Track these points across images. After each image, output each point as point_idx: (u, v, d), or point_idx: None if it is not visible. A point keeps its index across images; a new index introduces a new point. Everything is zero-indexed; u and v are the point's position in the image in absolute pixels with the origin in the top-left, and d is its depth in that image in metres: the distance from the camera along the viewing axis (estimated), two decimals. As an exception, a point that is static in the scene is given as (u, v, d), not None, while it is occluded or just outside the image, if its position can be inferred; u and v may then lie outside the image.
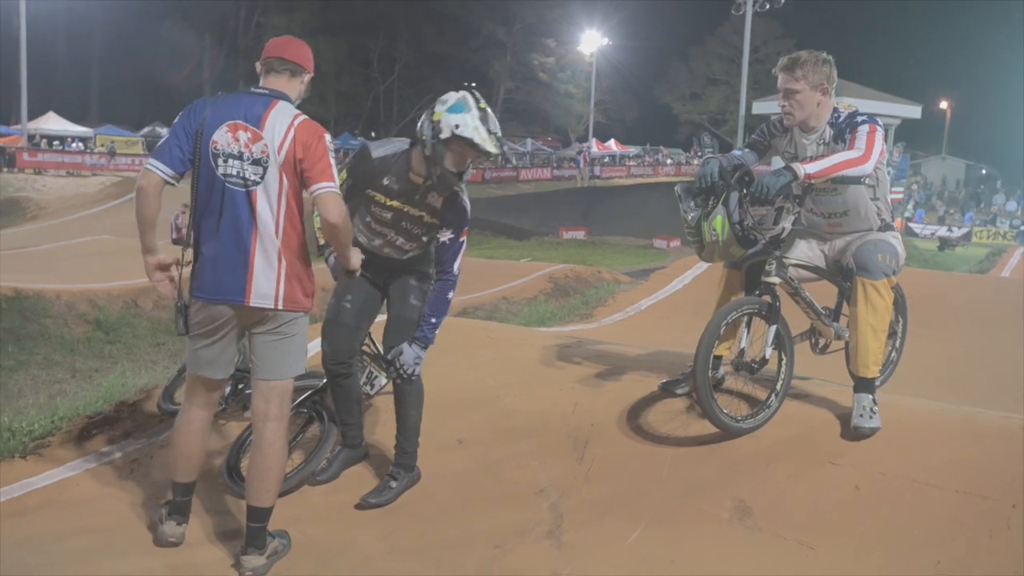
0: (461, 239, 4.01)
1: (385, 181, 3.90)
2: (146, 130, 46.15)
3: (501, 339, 5.84)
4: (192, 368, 3.58)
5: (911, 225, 36.45)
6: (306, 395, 4.47)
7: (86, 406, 4.81)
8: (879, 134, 3.82)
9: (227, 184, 3.32)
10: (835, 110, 3.99)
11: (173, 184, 3.34)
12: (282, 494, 4.02)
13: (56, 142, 40.89)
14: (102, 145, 41.68)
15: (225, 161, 3.31)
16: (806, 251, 4.25)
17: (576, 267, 13.84)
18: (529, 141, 55.65)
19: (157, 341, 8.80)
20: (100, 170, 35.82)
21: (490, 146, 3.69)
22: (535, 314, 9.09)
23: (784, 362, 4.08)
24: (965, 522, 3.30)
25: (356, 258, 3.69)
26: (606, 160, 55.52)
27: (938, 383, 5.70)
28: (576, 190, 45.88)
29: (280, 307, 3.40)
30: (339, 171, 3.63)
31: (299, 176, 3.34)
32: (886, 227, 4.15)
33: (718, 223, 3.84)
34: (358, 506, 4.02)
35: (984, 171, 62.72)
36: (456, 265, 4.02)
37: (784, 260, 4.07)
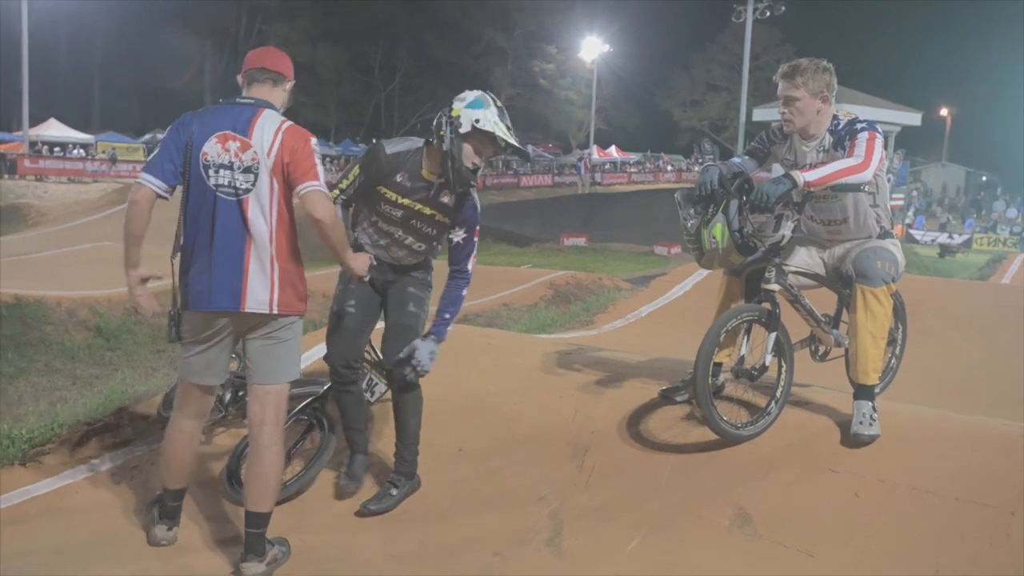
0: (475, 238, 4.08)
1: (398, 178, 3.92)
2: (147, 137, 46.25)
3: (501, 346, 5.84)
4: (185, 375, 3.60)
5: (912, 232, 36.43)
6: (306, 402, 4.47)
7: (86, 413, 4.81)
8: (879, 141, 3.83)
9: (218, 194, 3.36)
10: (835, 117, 3.99)
11: (166, 198, 3.40)
12: (281, 501, 4.03)
13: (57, 149, 40.93)
14: (103, 152, 41.73)
15: (216, 172, 3.36)
16: (806, 258, 4.25)
17: (577, 274, 13.83)
18: (530, 148, 55.66)
19: (158, 348, 8.80)
20: (101, 177, 35.90)
21: (511, 139, 3.80)
22: (536, 321, 9.09)
23: (784, 369, 4.08)
24: (965, 530, 3.30)
25: (362, 261, 3.72)
26: (607, 167, 55.56)
27: (938, 390, 5.70)
28: (577, 197, 45.94)
29: (276, 311, 3.42)
30: (351, 168, 3.88)
31: (287, 180, 3.39)
32: (885, 234, 4.15)
33: (718, 230, 3.84)
34: (358, 513, 4.02)
35: (984, 178, 62.78)
36: (471, 264, 4.10)
37: (784, 267, 4.07)
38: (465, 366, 5.24)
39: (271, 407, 3.53)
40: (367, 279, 3.84)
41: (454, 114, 3.78)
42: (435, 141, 3.83)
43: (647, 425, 4.35)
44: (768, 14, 38.41)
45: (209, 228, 3.37)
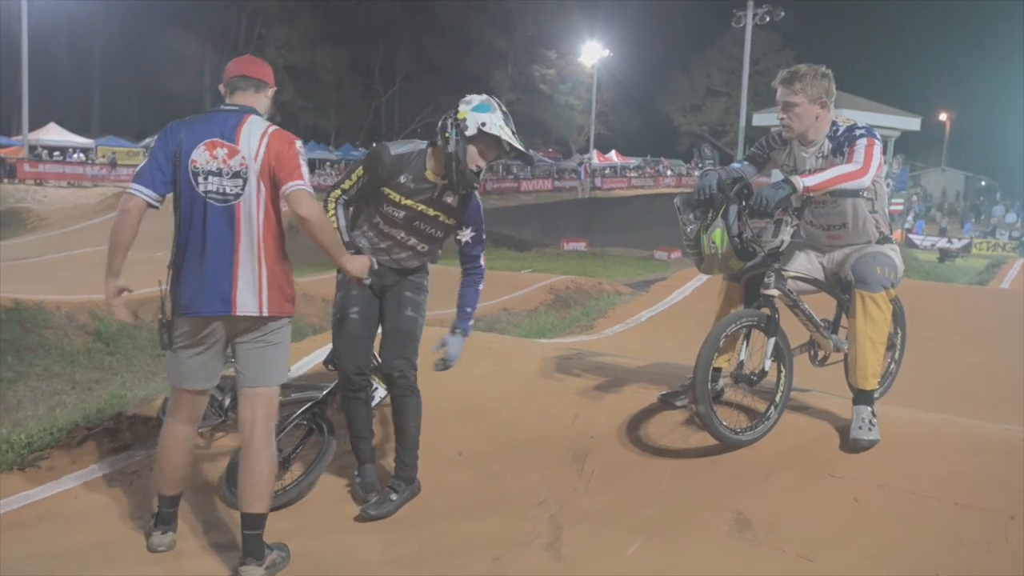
0: (483, 235, 4.18)
1: (402, 179, 3.96)
2: (147, 141, 46.12)
3: (501, 350, 5.84)
4: (175, 381, 3.63)
5: (911, 236, 36.45)
6: (306, 407, 4.48)
7: (85, 418, 4.80)
8: (877, 147, 3.84)
9: (208, 200, 3.41)
10: (834, 123, 4.00)
11: (157, 207, 3.45)
12: (281, 506, 4.04)
13: (57, 153, 40.92)
14: (103, 156, 41.75)
15: (205, 179, 3.41)
16: (805, 263, 4.26)
17: (577, 278, 13.83)
18: (530, 151, 55.61)
19: (157, 353, 8.77)
20: (101, 181, 35.90)
21: (516, 143, 3.89)
22: (536, 325, 9.09)
23: (783, 374, 4.08)
24: (964, 534, 3.30)
25: (359, 263, 3.75)
26: (607, 171, 55.58)
27: (938, 395, 5.70)
28: (577, 201, 45.93)
29: (265, 313, 3.46)
30: (354, 168, 3.96)
31: (274, 183, 3.44)
32: (884, 240, 4.16)
33: (717, 236, 3.85)
34: (358, 518, 4.01)
35: (983, 183, 62.82)
36: (483, 259, 4.22)
37: (783, 272, 4.08)
38: (465, 370, 5.22)
39: (261, 410, 3.57)
40: (367, 282, 3.86)
41: (460, 117, 3.83)
42: (440, 142, 3.88)
43: (647, 430, 4.35)
44: (768, 19, 38.47)
45: (200, 234, 3.42)
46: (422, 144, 4.02)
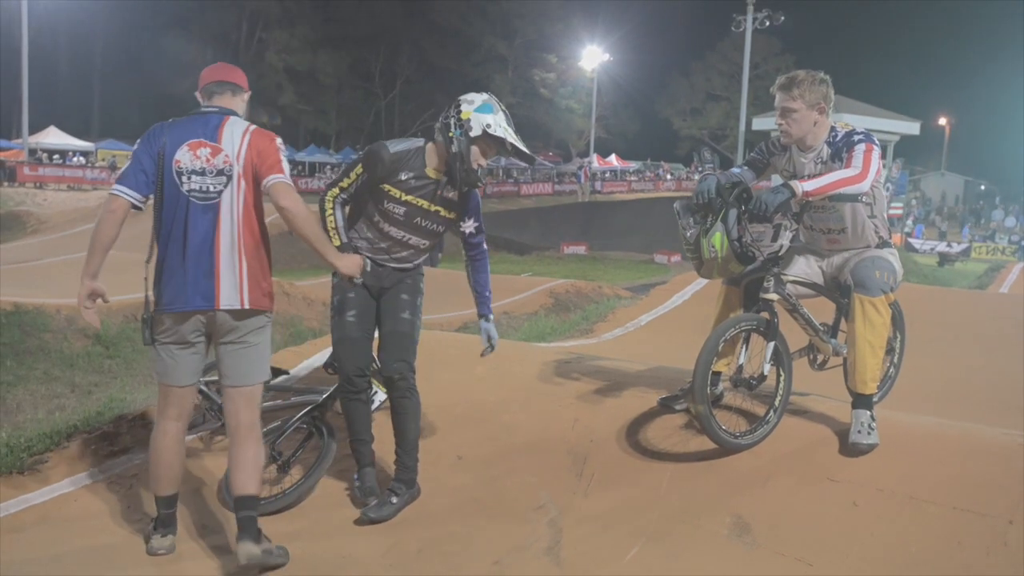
0: (482, 223, 4.27)
1: (402, 176, 3.99)
2: (146, 144, 46.10)
3: (501, 354, 5.79)
4: (162, 378, 3.69)
5: (911, 240, 36.47)
6: (306, 411, 4.48)
7: (85, 421, 4.80)
8: (875, 153, 3.85)
9: (191, 199, 3.51)
10: (832, 129, 4.01)
11: (140, 208, 3.56)
12: (281, 510, 4.05)
13: (57, 156, 40.93)
14: (103, 159, 41.73)
15: (189, 178, 3.52)
16: (804, 268, 4.27)
17: (577, 282, 13.83)
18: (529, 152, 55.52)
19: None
20: (101, 184, 35.80)
21: (520, 144, 3.97)
22: (535, 329, 9.09)
23: (782, 378, 4.09)
24: (962, 539, 3.30)
25: (350, 261, 3.81)
26: (607, 175, 55.61)
27: (937, 399, 5.70)
28: (577, 205, 45.95)
29: (247, 306, 3.55)
30: (352, 167, 4.02)
31: (255, 179, 3.56)
32: (884, 244, 4.16)
33: (717, 240, 3.85)
34: (358, 521, 4.02)
35: (983, 187, 62.89)
36: (484, 243, 4.31)
37: (782, 277, 4.09)
38: (465, 374, 5.25)
39: (245, 407, 3.66)
40: (359, 282, 3.89)
41: (464, 117, 3.89)
42: (442, 140, 3.93)
43: (646, 434, 4.35)
44: (768, 24, 38.47)
45: (182, 232, 3.51)
46: (419, 141, 4.06)
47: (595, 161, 55.27)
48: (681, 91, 66.39)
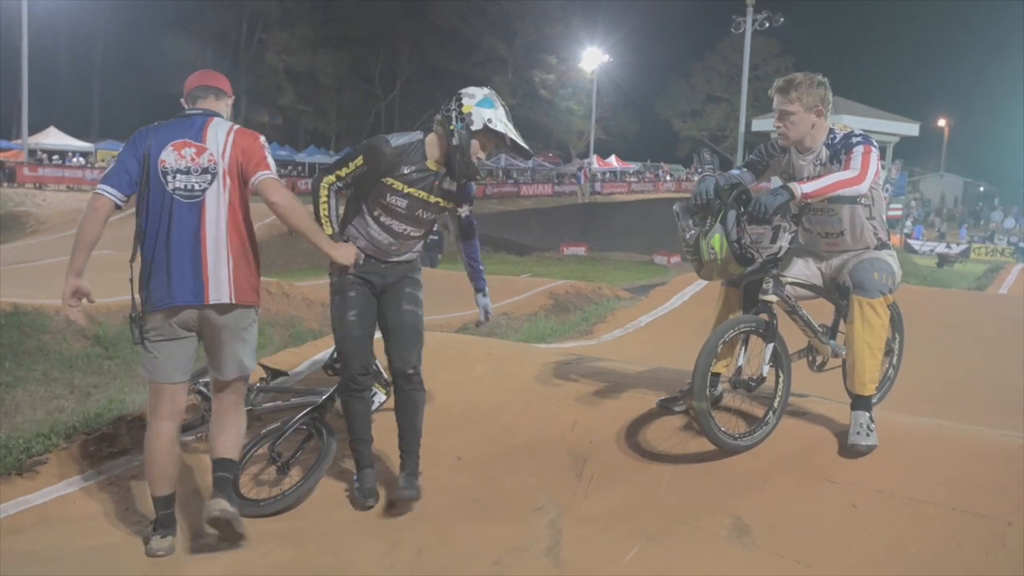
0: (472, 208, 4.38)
1: (405, 169, 4.04)
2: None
3: (501, 355, 5.84)
4: (152, 376, 3.74)
5: (910, 242, 36.46)
6: (305, 412, 4.48)
7: (84, 423, 4.81)
8: (874, 154, 3.86)
9: (176, 197, 3.61)
10: (831, 131, 4.02)
11: (121, 207, 3.65)
12: (280, 511, 4.05)
13: (56, 157, 40.89)
14: (103, 160, 41.68)
15: (174, 177, 3.62)
16: (803, 269, 4.27)
17: (576, 283, 13.81)
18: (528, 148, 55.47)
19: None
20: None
21: (520, 139, 4.04)
22: (535, 330, 9.08)
23: (781, 380, 4.09)
24: (961, 540, 3.30)
25: (346, 251, 3.93)
26: (607, 176, 55.60)
27: (936, 400, 5.70)
28: (577, 206, 45.93)
29: (234, 301, 3.65)
30: (352, 157, 4.06)
31: (241, 177, 3.67)
32: (882, 246, 4.17)
33: (716, 241, 3.86)
34: (398, 502, 4.09)
35: (982, 188, 62.91)
36: (474, 218, 4.41)
37: (781, 278, 4.09)
38: (464, 375, 5.25)
39: (231, 395, 3.86)
40: (351, 270, 3.99)
41: (465, 110, 3.95)
42: (443, 133, 3.99)
43: (645, 435, 4.36)
44: (767, 25, 38.46)
45: (167, 231, 3.60)
46: (419, 134, 4.12)
47: (595, 162, 55.24)
48: (681, 92, 66.42)
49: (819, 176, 3.91)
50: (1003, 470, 3.61)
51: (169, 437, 3.74)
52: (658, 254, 28.71)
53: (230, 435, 3.82)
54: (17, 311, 8.56)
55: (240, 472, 4.23)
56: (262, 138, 3.78)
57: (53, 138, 42.17)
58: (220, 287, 3.61)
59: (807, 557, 3.42)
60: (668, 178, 57.85)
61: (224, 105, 3.89)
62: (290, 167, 46.70)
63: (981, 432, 4.12)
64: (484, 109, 3.96)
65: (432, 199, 4.11)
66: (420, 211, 4.12)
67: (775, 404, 4.06)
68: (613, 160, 58.55)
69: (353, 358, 4.14)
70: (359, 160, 4.05)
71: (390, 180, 4.03)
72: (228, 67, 51.76)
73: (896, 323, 4.44)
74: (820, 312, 4.35)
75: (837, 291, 4.25)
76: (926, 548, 3.33)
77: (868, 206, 4.06)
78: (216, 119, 3.75)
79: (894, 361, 4.56)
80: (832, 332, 4.36)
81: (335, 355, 4.55)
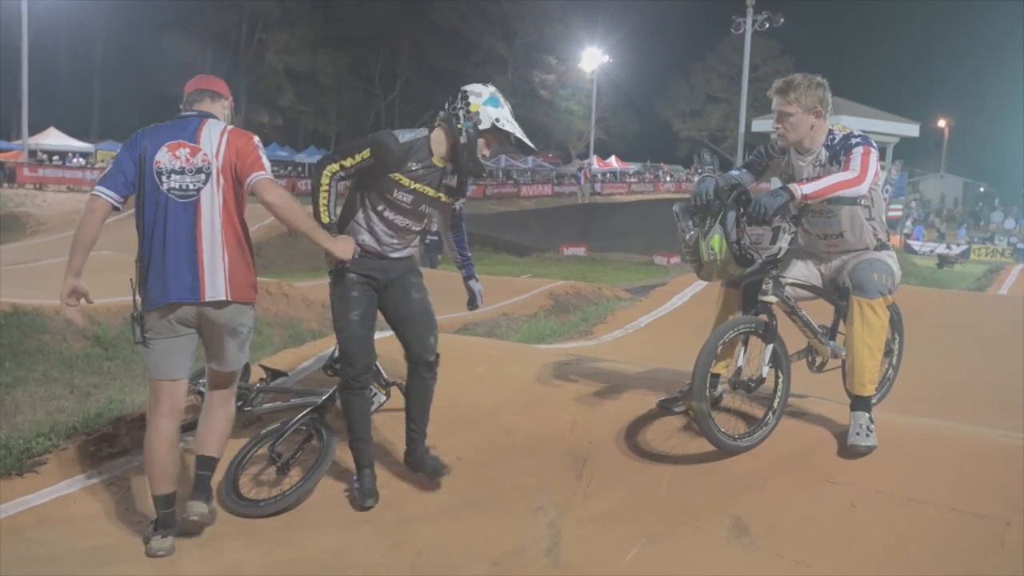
0: None
1: (412, 166, 4.08)
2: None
3: (500, 356, 5.84)
4: (152, 373, 3.81)
5: (910, 242, 36.46)
6: (305, 412, 4.48)
7: (84, 423, 4.81)
8: (873, 155, 3.86)
9: (171, 196, 3.68)
10: (830, 132, 4.02)
11: (118, 208, 3.73)
12: (280, 511, 4.06)
13: (56, 157, 40.90)
14: (103, 160, 41.66)
15: (168, 177, 3.69)
16: (803, 270, 4.27)
17: (576, 284, 13.82)
18: (530, 158, 55.71)
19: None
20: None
21: (527, 140, 4.14)
22: (535, 331, 9.08)
23: (781, 380, 4.09)
24: (960, 541, 3.31)
25: (344, 245, 3.98)
26: (607, 177, 55.60)
27: (936, 401, 5.70)
28: (577, 206, 45.93)
29: (230, 298, 3.72)
30: (358, 148, 4.08)
31: (235, 177, 3.74)
32: (882, 246, 4.17)
33: (716, 242, 3.86)
34: (429, 475, 4.26)
35: (982, 189, 62.91)
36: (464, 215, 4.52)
37: (781, 279, 4.09)
38: (464, 376, 5.25)
39: (223, 385, 3.98)
40: (350, 264, 4.04)
41: (473, 109, 4.00)
42: (449, 130, 4.04)
43: (645, 436, 4.36)
44: (767, 26, 38.51)
45: (163, 230, 3.67)
46: (424, 131, 4.16)
47: (595, 163, 55.24)
48: (681, 93, 66.47)
49: (818, 177, 3.92)
50: (1002, 470, 3.61)
51: (169, 435, 3.77)
52: (658, 255, 28.72)
53: (216, 434, 3.93)
54: (17, 311, 8.56)
55: (241, 472, 4.26)
56: (256, 138, 3.86)
57: (53, 139, 42.20)
58: (216, 284, 3.68)
59: (807, 557, 3.42)
60: (668, 179, 57.87)
61: (220, 107, 3.96)
62: (290, 167, 46.71)
63: (980, 433, 4.12)
64: (492, 108, 4.02)
65: (435, 195, 4.16)
66: (423, 206, 4.16)
67: (774, 405, 4.07)
68: (613, 160, 58.56)
69: (357, 357, 4.16)
70: (366, 153, 4.05)
71: (397, 176, 4.06)
72: (228, 67, 51.86)
73: (896, 324, 4.44)
74: (820, 313, 4.35)
75: (837, 292, 4.25)
76: (925, 548, 3.33)
77: (867, 207, 4.06)
78: (211, 120, 3.82)
79: (894, 362, 4.56)
80: (832, 333, 4.36)
81: (335, 355, 4.56)
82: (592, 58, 55.94)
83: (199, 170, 3.70)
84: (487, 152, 4.09)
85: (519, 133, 4.07)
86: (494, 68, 58.96)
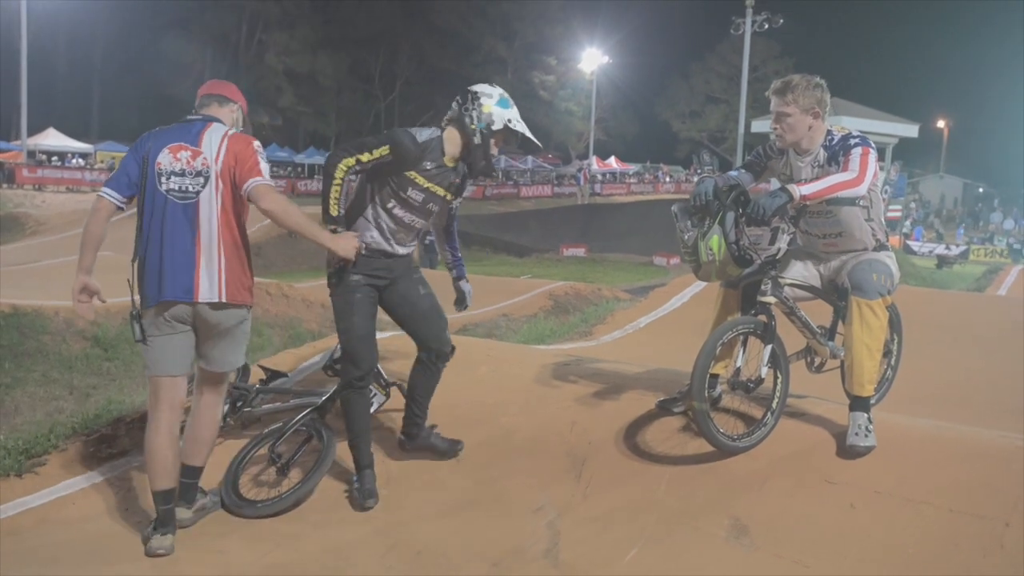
0: None
1: (427, 165, 4.13)
2: (146, 146, 45.99)
3: (500, 357, 5.84)
4: (152, 370, 3.86)
5: (909, 243, 36.44)
6: (305, 413, 4.48)
7: (83, 424, 4.80)
8: (872, 156, 3.86)
9: (169, 197, 3.75)
10: (829, 132, 4.02)
11: (123, 208, 3.83)
12: (280, 512, 4.06)
13: (56, 158, 40.89)
14: (102, 161, 41.70)
15: (168, 178, 3.76)
16: (802, 271, 4.27)
17: (576, 284, 13.81)
18: (530, 158, 55.58)
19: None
20: (100, 186, 35.69)
21: (536, 140, 4.27)
22: (535, 332, 9.09)
23: (780, 381, 4.09)
24: (959, 541, 3.31)
25: (346, 242, 3.97)
26: (606, 177, 55.60)
27: (935, 401, 5.70)
28: (576, 207, 45.94)
29: (224, 299, 3.76)
30: (377, 144, 4.05)
31: (234, 182, 3.78)
32: (881, 247, 4.17)
33: (714, 243, 3.86)
34: (400, 441, 4.42)
35: (981, 189, 62.92)
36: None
37: (780, 280, 4.09)
38: (464, 376, 5.25)
39: (213, 387, 4.00)
40: (354, 260, 4.04)
41: (485, 111, 4.08)
42: (462, 130, 4.12)
43: (644, 436, 4.36)
44: (767, 26, 38.52)
45: (160, 230, 3.74)
46: (437, 131, 4.20)
47: (594, 163, 55.27)
48: (680, 93, 66.51)
49: (817, 178, 3.92)
50: (1001, 471, 3.61)
51: (169, 430, 3.82)
52: (657, 255, 28.68)
53: (201, 444, 3.97)
54: (16, 312, 8.56)
55: (241, 472, 4.27)
56: (255, 143, 3.89)
57: (52, 139, 42.19)
58: (211, 286, 3.73)
59: (805, 558, 3.42)
60: (667, 179, 57.88)
61: (228, 112, 4.03)
62: (289, 168, 46.69)
63: (979, 433, 4.12)
64: (503, 109, 4.12)
65: (443, 194, 4.23)
66: (431, 204, 4.22)
67: (773, 405, 4.07)
68: (613, 161, 58.60)
69: (363, 358, 4.19)
70: (384, 149, 4.04)
71: (412, 174, 4.11)
72: (227, 68, 51.89)
73: (895, 324, 4.44)
74: (819, 313, 4.36)
75: (835, 292, 4.25)
76: (924, 549, 3.33)
77: (866, 208, 4.07)
78: (214, 124, 3.88)
79: (892, 362, 4.56)
80: (830, 333, 4.36)
81: (335, 355, 4.57)
82: (592, 59, 55.97)
83: (198, 173, 3.76)
84: (495, 151, 4.19)
85: (529, 133, 4.20)
86: (494, 69, 59.01)
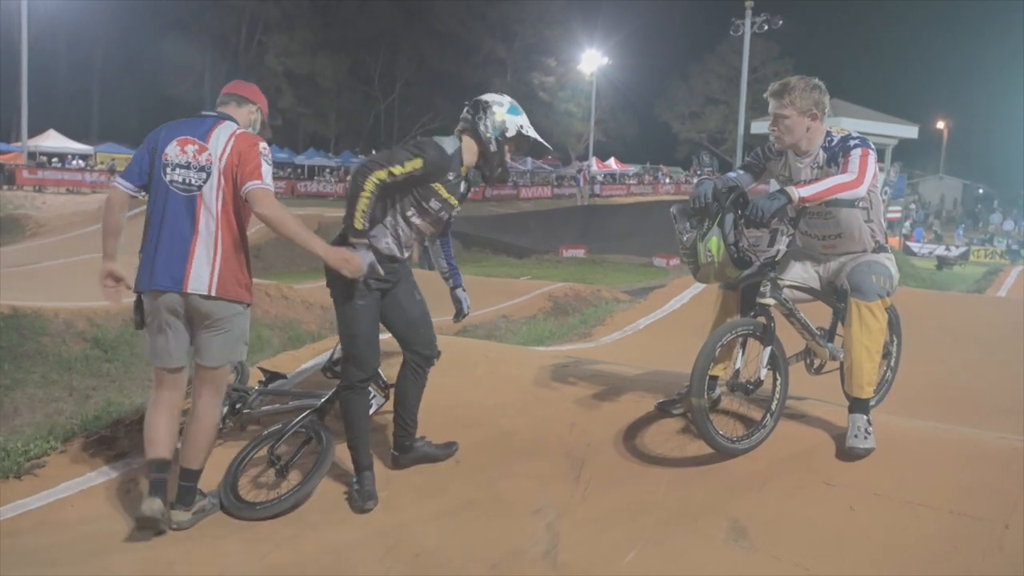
0: None
1: (450, 176, 4.17)
2: (146, 148, 46.00)
3: (499, 358, 5.84)
4: (151, 359, 3.97)
5: (909, 244, 36.45)
6: (304, 415, 4.48)
7: (83, 425, 4.81)
8: (871, 158, 3.86)
9: (171, 188, 3.83)
10: (828, 134, 4.02)
11: (136, 196, 3.94)
12: (279, 514, 4.06)
13: (56, 159, 40.89)
14: (102, 162, 41.72)
15: (172, 170, 3.84)
16: (801, 272, 4.27)
17: (576, 285, 13.82)
18: (529, 159, 55.64)
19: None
20: (100, 187, 35.77)
21: (548, 144, 4.39)
22: (534, 333, 9.08)
23: (779, 383, 4.09)
24: (958, 543, 3.31)
25: (348, 257, 3.91)
26: (606, 178, 55.58)
27: (934, 403, 5.70)
28: (576, 208, 45.90)
29: (214, 294, 3.80)
30: (410, 157, 3.98)
31: (235, 181, 3.84)
32: (880, 248, 4.17)
33: (713, 244, 3.86)
34: (394, 457, 4.37)
35: (981, 190, 62.92)
36: None
37: (779, 281, 4.09)
38: (463, 378, 5.25)
39: (210, 385, 4.00)
40: (362, 280, 4.00)
41: (498, 119, 4.15)
42: (476, 139, 4.17)
43: (644, 438, 4.36)
44: (766, 28, 38.50)
45: (160, 219, 3.82)
46: (456, 141, 4.22)
47: (594, 164, 55.23)
48: (680, 95, 66.56)
49: (816, 179, 3.92)
50: (1001, 473, 3.61)
51: (167, 404, 3.94)
52: (657, 256, 28.64)
53: (198, 447, 3.96)
54: (16, 314, 8.56)
55: (240, 474, 4.27)
56: (262, 145, 3.93)
57: (52, 140, 42.21)
58: (201, 278, 3.77)
59: (805, 560, 3.42)
60: (667, 180, 57.83)
61: (246, 112, 4.13)
62: (289, 169, 46.68)
63: (979, 435, 4.12)
64: (514, 116, 4.21)
65: (454, 202, 4.25)
66: (444, 213, 4.26)
67: (772, 407, 4.07)
68: (612, 162, 58.59)
69: (368, 361, 4.21)
70: (418, 163, 3.98)
71: (437, 185, 4.14)
72: (227, 70, 51.87)
73: (894, 326, 4.44)
74: (818, 315, 4.36)
75: (835, 294, 4.25)
76: (923, 551, 3.33)
77: (866, 209, 4.07)
78: (226, 122, 3.95)
79: (892, 364, 4.56)
80: (830, 335, 4.36)
81: (334, 357, 4.57)
82: (591, 60, 55.96)
83: (202, 168, 3.83)
84: (508, 159, 4.26)
85: (540, 138, 4.30)
86: (493, 70, 59.10)
